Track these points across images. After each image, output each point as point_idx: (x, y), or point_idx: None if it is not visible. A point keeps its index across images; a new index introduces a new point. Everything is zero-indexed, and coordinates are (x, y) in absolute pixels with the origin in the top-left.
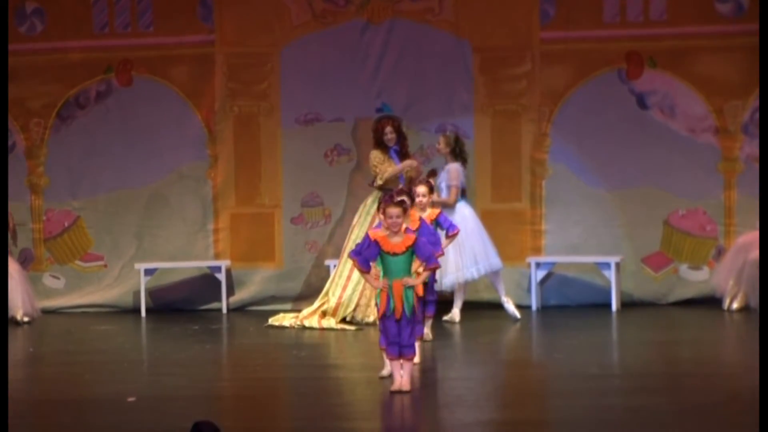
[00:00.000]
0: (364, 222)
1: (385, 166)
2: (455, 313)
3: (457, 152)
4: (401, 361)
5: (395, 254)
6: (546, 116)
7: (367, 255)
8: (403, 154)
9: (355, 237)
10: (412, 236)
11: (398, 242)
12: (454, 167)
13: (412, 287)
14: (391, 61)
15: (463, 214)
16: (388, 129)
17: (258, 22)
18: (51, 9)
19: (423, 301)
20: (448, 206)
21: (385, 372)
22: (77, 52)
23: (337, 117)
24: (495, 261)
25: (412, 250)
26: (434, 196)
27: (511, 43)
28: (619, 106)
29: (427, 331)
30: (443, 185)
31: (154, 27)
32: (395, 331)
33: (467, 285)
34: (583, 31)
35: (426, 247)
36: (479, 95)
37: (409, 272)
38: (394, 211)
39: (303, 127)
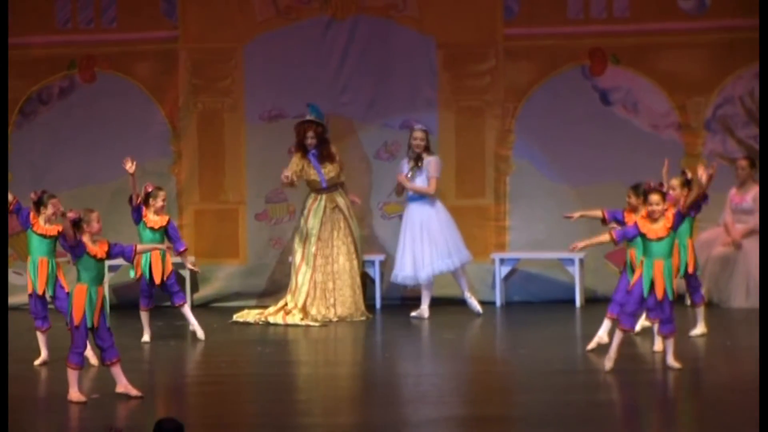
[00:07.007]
0: (315, 220)
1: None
2: (424, 309)
3: (429, 145)
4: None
5: (659, 239)
6: (510, 112)
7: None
8: (323, 157)
9: (309, 233)
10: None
11: (659, 227)
12: (436, 159)
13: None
14: (355, 57)
15: (437, 207)
16: (310, 134)
17: (221, 18)
18: (13, 4)
19: None
20: (429, 196)
21: None
22: (40, 48)
23: (301, 113)
24: (465, 253)
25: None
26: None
27: (475, 39)
28: (583, 102)
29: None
30: (424, 177)
31: (117, 23)
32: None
33: (434, 280)
34: (546, 28)
35: None
36: (443, 91)
37: (671, 254)
38: (655, 197)
39: (267, 123)
